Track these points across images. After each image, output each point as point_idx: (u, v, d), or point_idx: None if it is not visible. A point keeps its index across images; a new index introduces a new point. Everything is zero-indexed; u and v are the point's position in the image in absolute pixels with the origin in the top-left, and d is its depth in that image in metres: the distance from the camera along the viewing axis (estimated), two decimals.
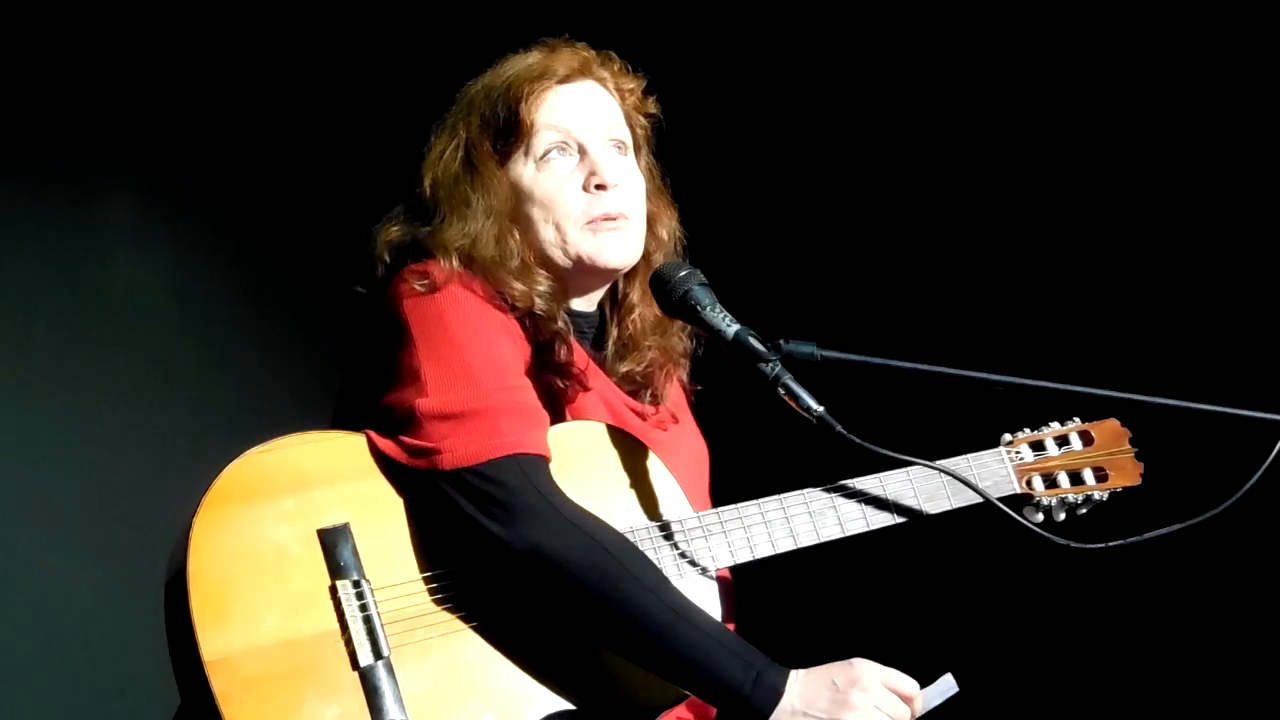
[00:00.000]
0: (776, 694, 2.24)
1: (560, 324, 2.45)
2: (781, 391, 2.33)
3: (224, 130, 4.16)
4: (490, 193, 2.46)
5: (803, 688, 2.25)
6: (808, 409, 2.31)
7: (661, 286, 2.44)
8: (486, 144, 2.48)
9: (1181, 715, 3.88)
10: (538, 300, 2.42)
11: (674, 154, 2.68)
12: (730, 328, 2.38)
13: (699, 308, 2.40)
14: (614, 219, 2.47)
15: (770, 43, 4.41)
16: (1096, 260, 4.05)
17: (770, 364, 2.34)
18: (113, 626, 3.87)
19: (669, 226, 2.63)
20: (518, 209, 2.47)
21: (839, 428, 2.30)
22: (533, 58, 2.52)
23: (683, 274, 2.44)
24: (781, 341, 2.37)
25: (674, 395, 2.66)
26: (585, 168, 2.48)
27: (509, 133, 2.48)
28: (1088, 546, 2.39)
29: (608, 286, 2.60)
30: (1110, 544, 2.42)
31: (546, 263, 2.47)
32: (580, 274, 2.50)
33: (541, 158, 2.48)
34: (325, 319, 4.13)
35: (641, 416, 2.57)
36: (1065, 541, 2.40)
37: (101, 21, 4.00)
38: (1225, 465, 2.46)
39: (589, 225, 2.47)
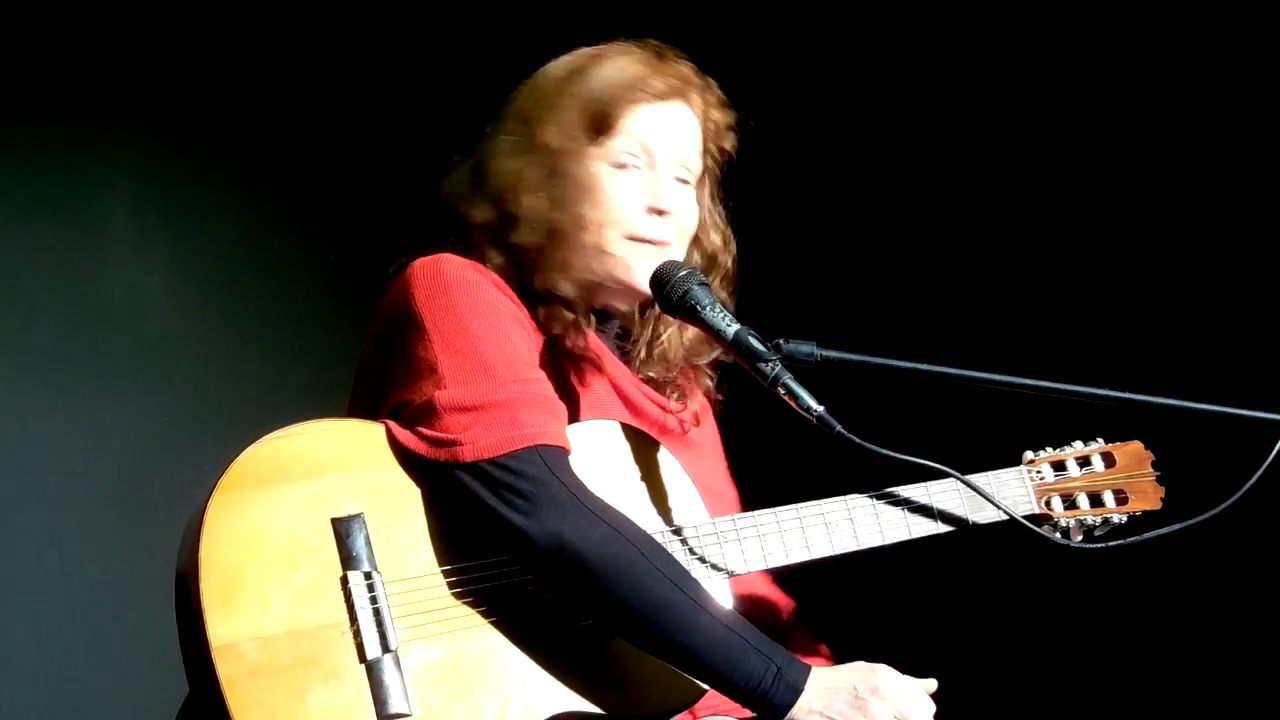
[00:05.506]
0: (796, 691, 2.25)
1: (577, 312, 2.46)
2: (781, 391, 2.33)
3: (221, 129, 4.16)
4: (581, 166, 2.47)
5: (823, 687, 2.26)
6: (808, 409, 2.32)
7: (660, 286, 2.44)
8: (579, 126, 2.48)
9: (1181, 715, 3.87)
10: (569, 286, 2.44)
11: None
12: (730, 328, 2.38)
13: (699, 307, 2.41)
14: (656, 244, 2.49)
15: (769, 42, 4.40)
16: (1097, 260, 4.04)
17: (770, 364, 2.34)
18: (112, 625, 3.87)
19: (728, 256, 2.64)
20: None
21: (839, 428, 2.30)
22: (637, 64, 2.53)
23: (682, 274, 2.44)
24: (781, 341, 2.37)
25: (700, 400, 2.67)
26: (650, 187, 2.50)
27: (595, 128, 2.48)
28: (1088, 546, 2.40)
29: (631, 311, 2.59)
30: (1110, 544, 2.43)
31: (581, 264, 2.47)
32: (605, 289, 2.50)
33: (618, 164, 2.49)
34: (323, 319, 4.14)
35: (662, 408, 2.57)
36: (1065, 541, 2.40)
37: (101, 19, 4.00)
38: (1225, 465, 2.46)
39: (631, 239, 2.48)
